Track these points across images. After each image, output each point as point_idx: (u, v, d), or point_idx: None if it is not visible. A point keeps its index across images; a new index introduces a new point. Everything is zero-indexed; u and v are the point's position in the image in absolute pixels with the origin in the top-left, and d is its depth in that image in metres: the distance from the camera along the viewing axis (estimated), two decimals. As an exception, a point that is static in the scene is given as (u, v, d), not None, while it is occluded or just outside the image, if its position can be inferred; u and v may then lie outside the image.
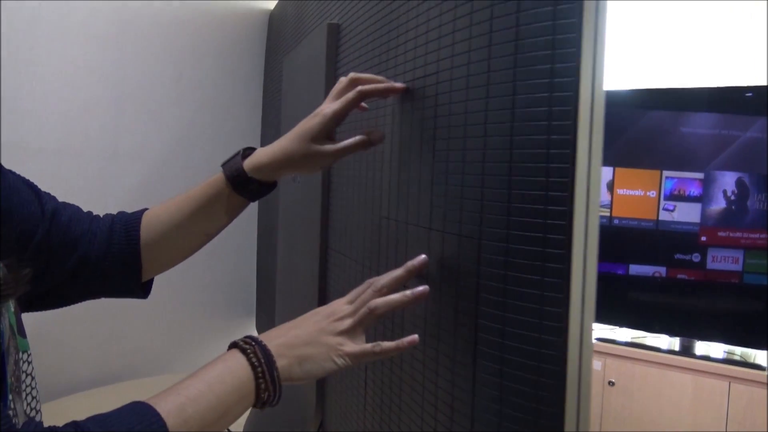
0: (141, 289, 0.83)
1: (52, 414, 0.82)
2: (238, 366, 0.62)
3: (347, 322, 0.67)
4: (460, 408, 0.64)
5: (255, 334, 2.12)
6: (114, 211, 0.86)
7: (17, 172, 0.74)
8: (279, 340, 0.65)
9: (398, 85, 0.77)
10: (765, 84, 2.26)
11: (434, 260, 0.69)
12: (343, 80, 0.77)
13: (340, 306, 0.69)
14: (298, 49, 1.41)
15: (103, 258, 0.78)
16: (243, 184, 0.77)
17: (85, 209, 0.83)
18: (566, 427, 0.54)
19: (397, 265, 0.78)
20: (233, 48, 2.01)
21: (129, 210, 0.84)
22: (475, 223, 0.61)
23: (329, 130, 0.74)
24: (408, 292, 0.67)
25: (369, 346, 0.66)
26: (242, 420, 1.55)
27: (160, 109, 1.87)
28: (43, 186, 0.77)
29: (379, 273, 0.84)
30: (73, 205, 0.81)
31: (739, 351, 2.39)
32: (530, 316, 0.56)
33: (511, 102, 0.57)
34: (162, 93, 1.87)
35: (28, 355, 0.66)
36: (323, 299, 1.13)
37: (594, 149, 0.53)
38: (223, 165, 0.79)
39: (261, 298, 2.03)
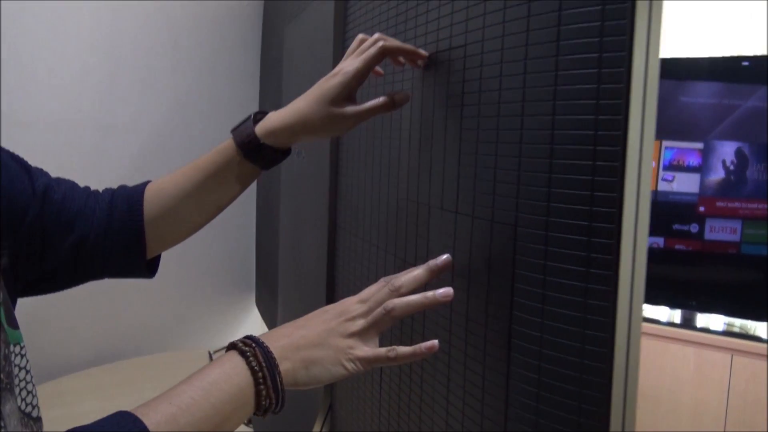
0: (146, 268, 0.77)
1: (50, 395, 0.77)
2: (236, 371, 0.55)
3: (359, 323, 0.61)
4: (491, 403, 0.60)
5: (255, 309, 2.09)
6: (110, 186, 0.79)
7: (6, 147, 0.68)
8: (283, 341, 0.58)
9: (422, 51, 0.72)
10: (764, 53, 2.22)
11: (462, 246, 0.65)
12: (361, 36, 0.71)
13: (351, 305, 0.63)
14: (300, 18, 1.35)
15: (103, 237, 0.72)
16: (255, 150, 0.71)
17: (81, 184, 0.76)
18: (612, 428, 0.51)
19: (417, 250, 0.74)
20: (230, 14, 1.93)
21: (128, 183, 0.79)
22: (511, 208, 0.57)
23: (351, 91, 0.69)
24: (429, 294, 0.62)
25: (383, 350, 0.60)
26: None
27: (155, 79, 1.80)
28: (35, 161, 0.71)
29: (395, 256, 0.81)
30: (67, 181, 0.74)
31: (738, 323, 2.39)
32: (573, 310, 0.52)
33: (554, 78, 0.52)
34: (157, 62, 1.80)
35: (21, 348, 0.60)
36: (332, 279, 1.10)
37: (646, 132, 0.49)
38: (233, 131, 0.73)
39: (261, 273, 1.99)
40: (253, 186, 2.02)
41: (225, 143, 0.73)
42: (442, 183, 0.69)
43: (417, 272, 0.64)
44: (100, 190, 0.77)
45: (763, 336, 2.27)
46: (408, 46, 0.71)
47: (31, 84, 1.57)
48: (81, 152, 1.66)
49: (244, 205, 2.05)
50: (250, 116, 0.73)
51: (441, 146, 0.69)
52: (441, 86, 0.69)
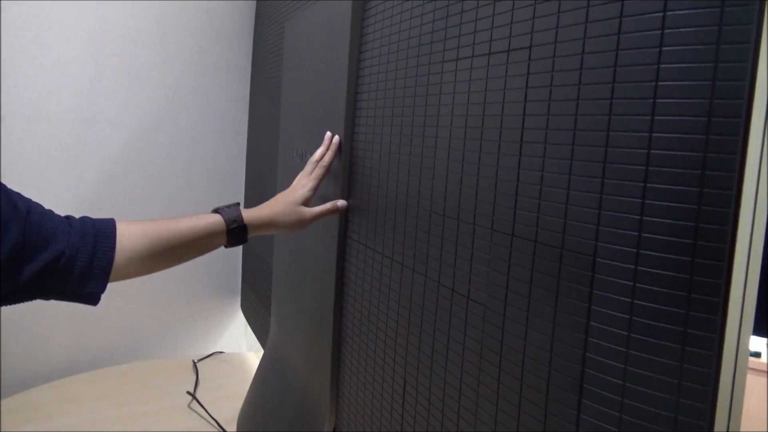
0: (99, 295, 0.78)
1: (21, 409, 0.71)
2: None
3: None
4: (556, 412, 0.53)
5: (240, 314, 1.99)
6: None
7: None
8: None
9: (335, 142, 1.00)
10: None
11: (520, 274, 0.58)
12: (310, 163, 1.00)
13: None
14: (303, 14, 1.26)
15: (74, 258, 0.73)
16: (236, 232, 0.87)
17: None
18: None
19: (455, 272, 0.67)
20: (220, 6, 1.83)
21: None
22: (588, 236, 0.50)
23: (309, 200, 0.95)
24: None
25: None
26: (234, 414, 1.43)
27: (140, 72, 1.69)
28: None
29: (426, 277, 0.73)
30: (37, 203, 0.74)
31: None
32: (666, 357, 0.45)
33: (653, 90, 0.45)
34: (144, 53, 1.69)
35: None
36: (340, 294, 1.01)
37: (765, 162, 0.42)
38: (220, 210, 0.87)
39: (248, 277, 1.90)
40: (241, 184, 1.93)
41: (212, 217, 0.86)
42: (493, 201, 0.61)
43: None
44: (64, 216, 0.78)
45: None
46: (330, 151, 1.00)
47: (9, 75, 1.46)
48: (62, 146, 1.55)
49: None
50: (237, 203, 0.90)
51: (493, 158, 0.62)
52: (493, 93, 0.62)
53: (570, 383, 0.52)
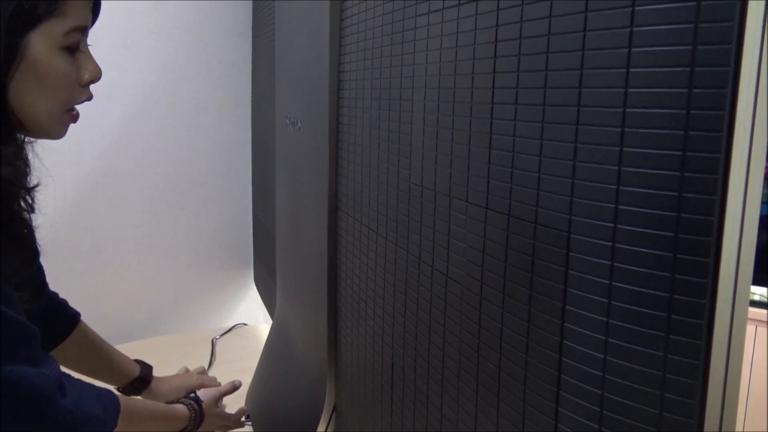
0: None
1: None
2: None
3: None
4: (535, 418, 0.48)
5: (254, 288, 1.96)
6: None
7: None
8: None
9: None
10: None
11: (494, 251, 0.52)
12: None
13: None
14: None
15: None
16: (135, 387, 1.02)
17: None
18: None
19: (434, 248, 0.62)
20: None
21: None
22: (563, 209, 0.44)
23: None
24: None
25: None
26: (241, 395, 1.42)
27: (137, 41, 1.64)
28: None
29: (408, 252, 0.68)
30: None
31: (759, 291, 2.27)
32: (649, 347, 0.40)
33: (628, 38, 0.39)
34: (139, 22, 1.64)
35: None
36: (333, 268, 0.97)
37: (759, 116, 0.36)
38: (142, 372, 1.03)
39: (258, 249, 1.87)
40: (248, 153, 1.89)
41: (132, 366, 1.03)
42: (466, 171, 0.55)
43: None
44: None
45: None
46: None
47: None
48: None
49: (240, 173, 1.90)
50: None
51: (465, 122, 0.55)
52: (466, 42, 0.55)
53: (547, 374, 0.46)
